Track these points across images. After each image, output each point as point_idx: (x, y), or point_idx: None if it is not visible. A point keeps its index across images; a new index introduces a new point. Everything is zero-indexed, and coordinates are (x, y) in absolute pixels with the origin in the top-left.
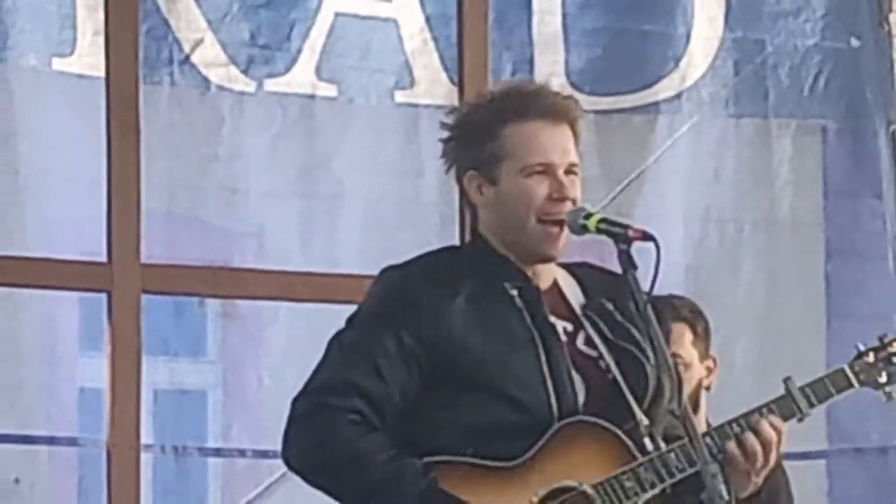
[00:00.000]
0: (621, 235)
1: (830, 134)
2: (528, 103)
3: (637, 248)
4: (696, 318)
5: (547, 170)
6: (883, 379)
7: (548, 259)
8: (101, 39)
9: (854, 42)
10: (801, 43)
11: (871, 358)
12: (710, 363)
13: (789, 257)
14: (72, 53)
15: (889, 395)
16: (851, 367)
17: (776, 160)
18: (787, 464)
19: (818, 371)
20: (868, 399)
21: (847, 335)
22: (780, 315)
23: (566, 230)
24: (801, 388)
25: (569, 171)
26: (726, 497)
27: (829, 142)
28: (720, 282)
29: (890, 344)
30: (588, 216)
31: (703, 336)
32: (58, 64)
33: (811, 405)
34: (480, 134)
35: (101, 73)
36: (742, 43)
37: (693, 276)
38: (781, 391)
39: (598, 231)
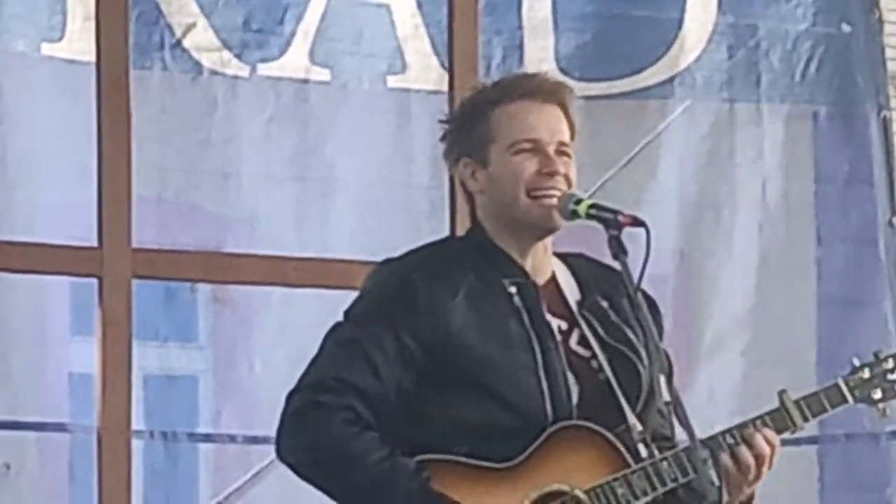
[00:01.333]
0: (612, 221)
1: (821, 119)
2: (516, 85)
3: (628, 233)
4: None
5: (536, 146)
6: (878, 395)
7: (548, 231)
8: (91, 24)
9: (845, 27)
10: (793, 28)
11: (866, 373)
12: None
13: (780, 242)
14: (61, 38)
15: (883, 412)
16: (847, 382)
17: (767, 145)
18: None
19: (808, 358)
20: None
21: (838, 321)
22: (771, 300)
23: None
24: (796, 402)
25: (560, 152)
26: (717, 482)
27: (819, 127)
28: (712, 267)
29: (885, 360)
30: (578, 202)
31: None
32: (47, 49)
33: (805, 419)
34: (471, 120)
35: (91, 58)
36: (735, 27)
37: (686, 261)
38: (771, 378)
39: (589, 217)
